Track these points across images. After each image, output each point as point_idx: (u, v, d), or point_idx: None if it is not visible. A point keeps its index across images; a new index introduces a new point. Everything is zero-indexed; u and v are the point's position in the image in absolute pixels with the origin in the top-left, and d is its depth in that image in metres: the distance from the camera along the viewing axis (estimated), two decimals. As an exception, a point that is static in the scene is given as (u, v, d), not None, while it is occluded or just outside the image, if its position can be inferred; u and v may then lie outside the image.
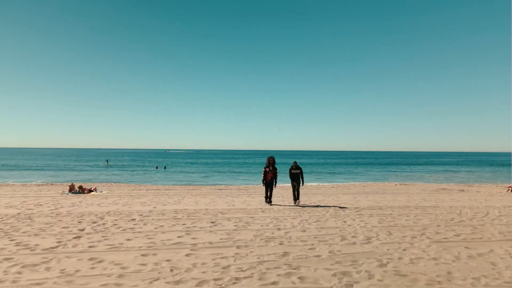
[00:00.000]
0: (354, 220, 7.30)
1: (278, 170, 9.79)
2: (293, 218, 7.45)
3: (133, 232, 5.90)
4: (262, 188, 16.31)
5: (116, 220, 7.06)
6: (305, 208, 8.98)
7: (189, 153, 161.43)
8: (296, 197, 9.76)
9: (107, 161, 60.18)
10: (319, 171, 41.63)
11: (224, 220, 7.16)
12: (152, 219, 7.18)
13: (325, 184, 25.72)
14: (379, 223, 6.99)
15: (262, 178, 9.61)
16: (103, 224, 6.62)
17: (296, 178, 9.77)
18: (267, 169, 9.50)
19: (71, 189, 12.88)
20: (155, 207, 8.99)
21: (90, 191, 13.40)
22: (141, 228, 6.29)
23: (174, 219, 7.26)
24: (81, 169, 42.14)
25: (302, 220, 7.19)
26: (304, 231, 6.17)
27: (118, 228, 6.27)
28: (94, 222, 6.76)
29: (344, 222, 7.07)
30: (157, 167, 48.34)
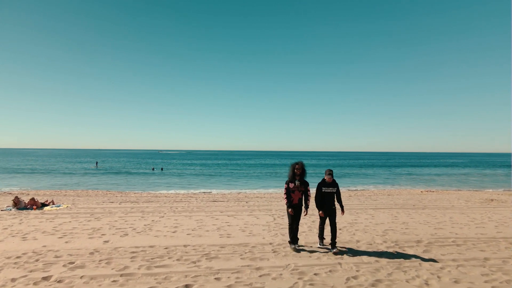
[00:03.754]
0: (440, 278, 4.12)
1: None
2: (330, 272, 4.29)
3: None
4: (265, 201, 13.13)
5: (13, 280, 3.91)
6: (340, 247, 5.83)
7: (183, 154, 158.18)
8: (325, 236, 5.74)
9: (96, 163, 57.47)
10: (322, 173, 38.39)
11: (209, 280, 4.00)
12: (81, 277, 4.02)
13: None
14: (492, 286, 3.82)
15: (285, 200, 5.45)
16: (-24, 295, 3.48)
17: (331, 201, 5.39)
18: (292, 185, 5.40)
19: (16, 204, 9.70)
20: (107, 241, 5.84)
21: (43, 205, 10.28)
22: (37, 311, 3.14)
23: (121, 276, 4.09)
24: (70, 172, 39.14)
25: (349, 280, 4.02)
26: (368, 320, 3.01)
27: (-7, 310, 3.13)
28: (-36, 290, 3.62)
29: (427, 284, 3.91)
30: (153, 169, 45.78)
